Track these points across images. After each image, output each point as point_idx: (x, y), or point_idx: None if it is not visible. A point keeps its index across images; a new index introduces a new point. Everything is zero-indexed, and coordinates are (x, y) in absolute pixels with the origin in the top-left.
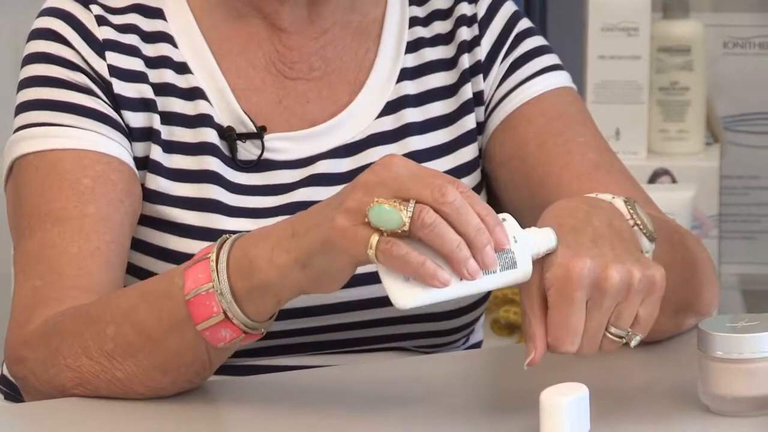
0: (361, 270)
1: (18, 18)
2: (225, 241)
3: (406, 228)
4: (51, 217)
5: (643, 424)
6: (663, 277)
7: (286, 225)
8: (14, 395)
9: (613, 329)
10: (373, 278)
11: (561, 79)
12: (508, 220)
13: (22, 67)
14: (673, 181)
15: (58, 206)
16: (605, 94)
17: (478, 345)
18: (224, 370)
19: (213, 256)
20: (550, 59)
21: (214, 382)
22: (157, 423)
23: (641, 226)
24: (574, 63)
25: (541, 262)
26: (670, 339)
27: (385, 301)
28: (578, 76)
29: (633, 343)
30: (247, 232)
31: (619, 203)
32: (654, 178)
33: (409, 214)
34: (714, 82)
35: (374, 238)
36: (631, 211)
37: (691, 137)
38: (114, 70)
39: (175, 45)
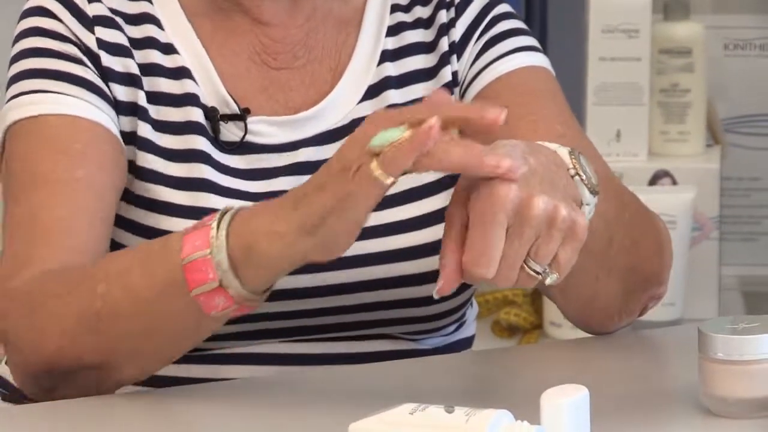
0: (347, 252)
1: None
2: (227, 211)
3: (407, 134)
4: (40, 179)
5: (644, 426)
6: (585, 228)
7: (287, 198)
8: (13, 396)
9: (531, 263)
10: (358, 261)
11: (536, 59)
12: None
13: (14, 44)
14: (674, 182)
15: (48, 168)
16: (606, 96)
17: (470, 340)
18: (204, 359)
19: (214, 224)
20: (527, 40)
21: (212, 385)
22: (156, 425)
23: (583, 178)
24: (575, 65)
25: (468, 192)
26: (666, 339)
27: (368, 285)
28: (579, 77)
29: (548, 281)
30: (249, 204)
31: (562, 152)
32: (654, 179)
33: (405, 127)
34: (715, 83)
35: (373, 161)
36: (574, 161)
37: (691, 139)
38: (102, 44)
39: (161, 27)
